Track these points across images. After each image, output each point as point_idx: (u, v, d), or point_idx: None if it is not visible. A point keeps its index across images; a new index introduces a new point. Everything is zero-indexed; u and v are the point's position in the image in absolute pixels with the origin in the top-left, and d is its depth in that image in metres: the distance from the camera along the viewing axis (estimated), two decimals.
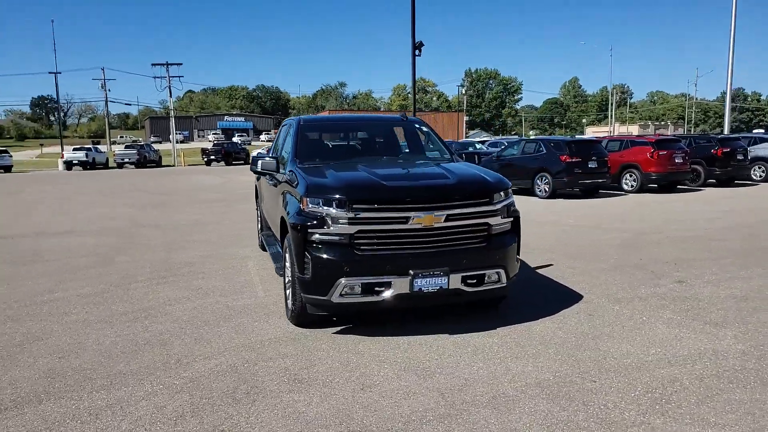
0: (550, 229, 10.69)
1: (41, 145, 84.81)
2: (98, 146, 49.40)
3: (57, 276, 7.48)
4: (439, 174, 5.22)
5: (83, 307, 6.02)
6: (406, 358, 4.48)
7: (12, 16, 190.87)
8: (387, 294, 4.69)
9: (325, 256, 4.67)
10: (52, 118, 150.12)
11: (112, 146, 70.61)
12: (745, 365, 4.25)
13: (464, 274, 4.83)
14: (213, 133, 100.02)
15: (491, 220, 4.98)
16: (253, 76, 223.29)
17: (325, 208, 4.72)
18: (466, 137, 71.90)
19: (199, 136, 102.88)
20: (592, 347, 4.65)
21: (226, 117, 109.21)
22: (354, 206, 4.66)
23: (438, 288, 4.74)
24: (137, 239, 10.39)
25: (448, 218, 4.77)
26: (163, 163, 47.25)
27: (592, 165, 15.64)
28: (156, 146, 50.70)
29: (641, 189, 16.93)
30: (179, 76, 49.30)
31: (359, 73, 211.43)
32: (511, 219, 5.20)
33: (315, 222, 4.74)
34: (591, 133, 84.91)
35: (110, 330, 5.26)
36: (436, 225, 4.74)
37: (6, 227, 12.37)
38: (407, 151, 6.67)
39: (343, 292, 4.67)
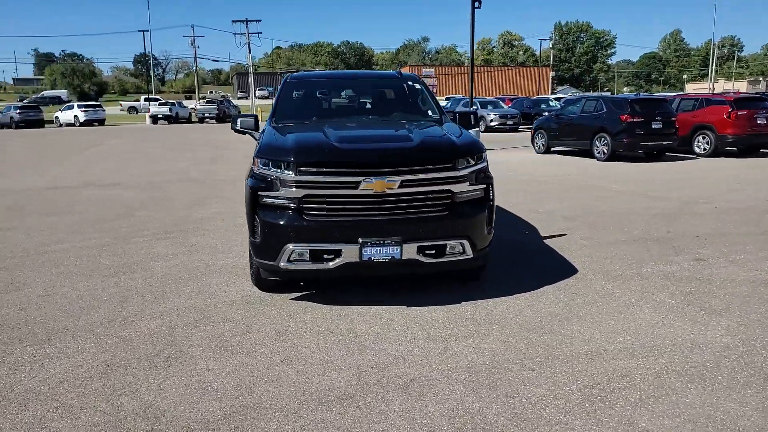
0: (587, 194, 9.92)
1: (136, 100, 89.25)
2: (182, 101, 51.32)
3: (74, 227, 7.80)
4: (402, 136, 4.83)
5: (76, 259, 6.22)
6: (346, 330, 4.26)
7: None
8: (336, 262, 4.45)
9: (272, 220, 4.48)
10: (152, 74, 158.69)
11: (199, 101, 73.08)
12: (720, 362, 3.69)
13: (420, 244, 4.48)
14: None
15: (454, 187, 4.57)
16: (338, 32, 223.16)
17: (274, 170, 4.50)
18: (553, 93, 68.60)
19: None
20: (553, 330, 4.21)
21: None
22: (301, 169, 4.41)
23: (389, 258, 4.43)
24: (171, 193, 10.69)
25: (403, 184, 4.41)
26: None
27: (656, 126, 14.32)
28: (236, 101, 51.99)
29: (715, 153, 15.36)
30: (258, 33, 50.34)
31: (444, 27, 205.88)
32: (483, 186, 4.76)
33: (264, 185, 4.55)
34: (691, 90, 78.64)
35: (84, 284, 5.40)
36: (389, 191, 4.40)
37: (62, 179, 13.12)
38: (398, 110, 6.26)
39: (290, 258, 4.48)
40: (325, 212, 4.46)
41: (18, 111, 40.50)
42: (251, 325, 4.38)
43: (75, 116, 41.90)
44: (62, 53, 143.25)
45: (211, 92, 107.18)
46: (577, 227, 7.37)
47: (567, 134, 16.19)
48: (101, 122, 43.15)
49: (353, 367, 3.69)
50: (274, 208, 4.52)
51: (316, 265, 4.50)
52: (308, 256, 4.47)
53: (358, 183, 4.36)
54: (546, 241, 6.73)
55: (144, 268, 5.85)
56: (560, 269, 5.64)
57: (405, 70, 9.35)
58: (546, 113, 22.82)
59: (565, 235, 6.97)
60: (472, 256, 4.68)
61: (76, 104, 44.25)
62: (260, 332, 4.26)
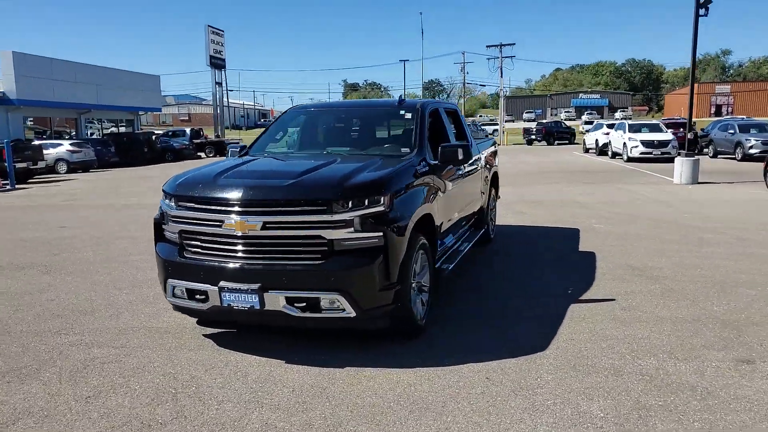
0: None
1: None
2: None
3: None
4: (293, 173, 4.37)
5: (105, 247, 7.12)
6: (188, 379, 4.04)
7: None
8: (207, 304, 4.27)
9: (161, 252, 4.54)
10: (438, 99, 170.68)
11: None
12: None
13: (289, 294, 4.03)
14: (565, 111, 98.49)
15: (329, 234, 3.97)
16: (622, 50, 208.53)
17: (164, 202, 4.56)
18: None
19: (551, 114, 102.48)
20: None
21: (580, 94, 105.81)
22: (179, 203, 4.38)
23: (249, 306, 4.08)
24: None
25: (265, 226, 4.02)
26: None
27: None
28: (489, 126, 52.68)
29: None
30: (511, 57, 49.93)
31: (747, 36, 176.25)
32: (379, 234, 4.02)
33: (160, 216, 4.63)
34: None
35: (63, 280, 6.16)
36: (251, 233, 4.06)
37: None
38: (378, 143, 5.64)
39: (174, 293, 4.46)
40: (197, 250, 4.33)
41: None
42: (123, 355, 4.45)
43: None
44: (365, 82, 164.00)
45: (480, 116, 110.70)
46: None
47: None
48: None
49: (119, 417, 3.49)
50: (166, 241, 4.57)
51: (193, 304, 4.39)
52: (185, 293, 4.39)
53: (221, 222, 4.13)
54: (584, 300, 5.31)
55: (122, 262, 6.40)
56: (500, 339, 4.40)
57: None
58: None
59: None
60: (353, 315, 4.01)
61: None
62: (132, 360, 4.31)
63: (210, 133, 46.58)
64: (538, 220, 10.06)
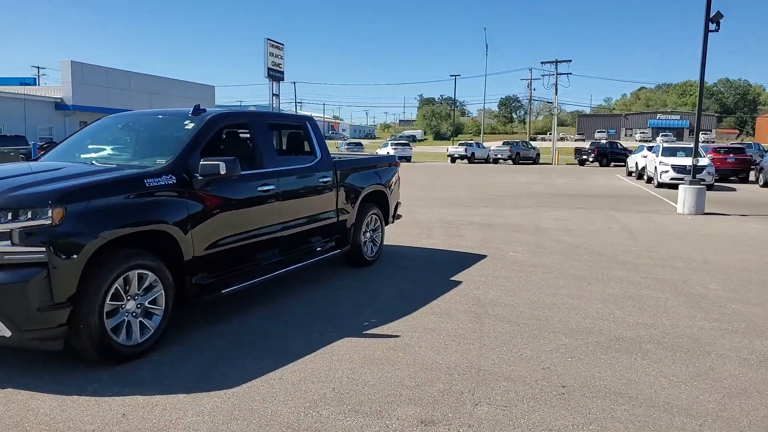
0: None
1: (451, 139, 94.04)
2: (480, 143, 52.92)
3: None
4: None
5: None
6: None
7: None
8: None
9: None
10: (515, 116, 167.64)
11: (544, 142, 72.39)
12: None
13: None
14: (640, 132, 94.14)
15: None
16: (715, 69, 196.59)
17: None
18: None
19: (626, 135, 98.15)
20: None
21: (658, 115, 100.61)
22: None
23: None
24: None
25: None
26: (540, 161, 47.43)
27: None
28: (535, 143, 51.00)
29: None
30: (567, 73, 48.11)
31: None
32: (36, 248, 3.78)
33: None
34: None
35: None
36: None
37: None
38: (150, 152, 5.40)
39: None
40: None
41: (346, 146, 48.14)
42: None
43: (387, 152, 47.50)
44: (440, 97, 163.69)
45: (549, 133, 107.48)
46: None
47: None
48: (407, 159, 47.81)
49: None
50: None
51: None
52: None
53: None
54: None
55: None
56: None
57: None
58: None
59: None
60: (8, 334, 3.79)
61: (390, 142, 50.18)
62: None
63: None
64: (461, 244, 9.44)
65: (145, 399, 3.74)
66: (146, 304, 4.44)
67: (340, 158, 7.30)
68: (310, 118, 6.77)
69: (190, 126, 5.28)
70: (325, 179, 6.53)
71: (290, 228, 5.97)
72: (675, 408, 3.73)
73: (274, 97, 51.60)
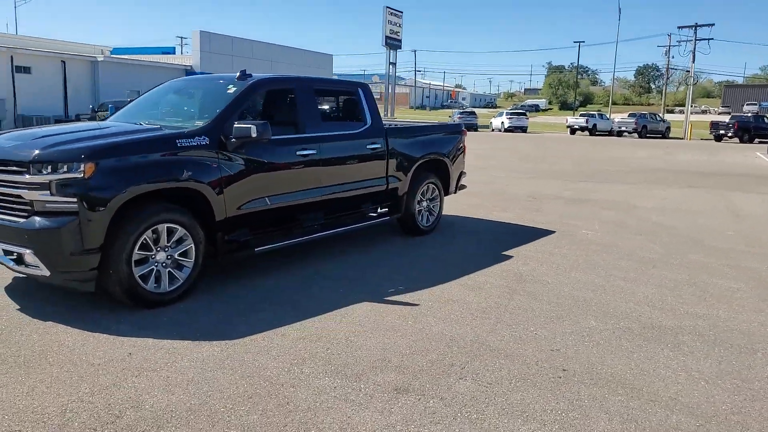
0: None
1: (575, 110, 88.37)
2: (604, 114, 49.48)
3: None
4: (38, 136, 4.70)
5: None
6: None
7: None
8: None
9: None
10: (653, 86, 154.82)
11: (681, 115, 65.87)
12: None
13: (3, 247, 4.43)
14: None
15: (27, 194, 4.27)
16: None
17: None
18: None
19: None
20: None
21: None
22: None
23: None
24: None
25: None
26: (671, 135, 43.69)
27: None
28: (668, 116, 46.72)
29: None
30: (708, 39, 43.13)
31: None
32: (73, 200, 4.20)
33: None
34: None
35: None
36: None
37: None
38: (194, 114, 5.69)
39: None
40: None
41: (458, 116, 47.45)
42: None
43: (501, 122, 46.21)
44: (570, 65, 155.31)
45: (693, 105, 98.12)
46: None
47: None
48: (524, 129, 46.17)
49: None
50: None
51: None
52: None
53: None
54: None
55: None
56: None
57: None
58: None
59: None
60: (48, 273, 4.29)
61: (505, 112, 48.63)
62: None
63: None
64: (535, 219, 9.05)
65: (154, 342, 4.06)
66: (176, 256, 4.78)
67: (392, 125, 7.24)
68: (363, 85, 6.77)
69: (232, 90, 5.51)
70: (373, 146, 6.54)
71: (332, 192, 6.08)
72: (679, 405, 3.40)
73: (390, 66, 52.05)
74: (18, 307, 4.69)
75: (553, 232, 8.12)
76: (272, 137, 5.29)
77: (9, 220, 4.39)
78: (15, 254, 4.38)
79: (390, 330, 4.41)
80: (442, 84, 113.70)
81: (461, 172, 8.23)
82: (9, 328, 4.26)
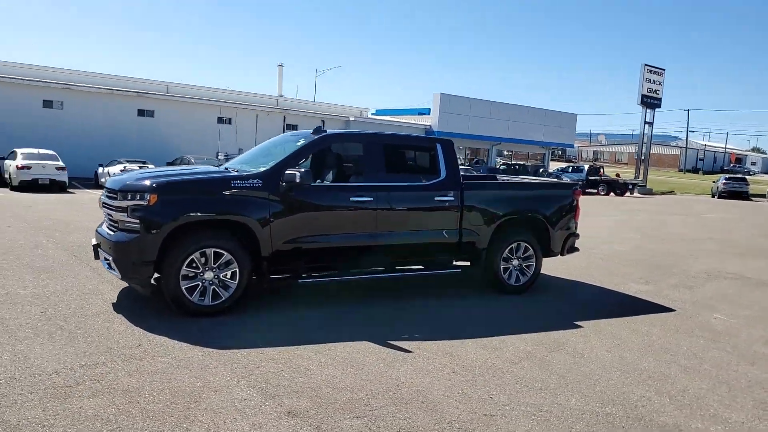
0: None
1: None
2: None
3: None
4: (144, 176, 6.09)
5: None
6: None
7: None
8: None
9: None
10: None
11: None
12: None
13: (104, 255, 5.92)
14: None
15: (116, 215, 5.67)
16: None
17: None
18: None
19: None
20: None
21: None
22: None
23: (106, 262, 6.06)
24: None
25: (104, 204, 6.04)
26: None
27: None
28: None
29: None
30: None
31: None
32: (136, 221, 5.45)
33: None
34: None
35: None
36: (104, 209, 6.10)
37: None
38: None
39: None
40: None
41: (723, 181, 41.50)
42: None
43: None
44: None
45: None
46: None
47: None
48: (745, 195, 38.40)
49: None
50: None
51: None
52: None
53: None
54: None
55: None
56: None
57: None
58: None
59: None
60: (120, 276, 5.61)
61: None
62: None
63: (629, 173, 45.76)
64: (671, 296, 7.88)
65: (165, 340, 4.96)
66: (221, 277, 5.69)
67: (472, 181, 7.24)
68: (444, 141, 6.96)
69: (299, 143, 6.36)
70: (442, 198, 6.68)
71: (388, 237, 6.41)
72: None
73: (646, 125, 48.39)
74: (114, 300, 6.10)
75: (672, 310, 7.04)
76: (328, 183, 5.95)
77: (108, 234, 5.84)
78: (108, 260, 5.78)
79: (359, 369, 4.58)
80: (723, 145, 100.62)
81: (570, 233, 7.72)
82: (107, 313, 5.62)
